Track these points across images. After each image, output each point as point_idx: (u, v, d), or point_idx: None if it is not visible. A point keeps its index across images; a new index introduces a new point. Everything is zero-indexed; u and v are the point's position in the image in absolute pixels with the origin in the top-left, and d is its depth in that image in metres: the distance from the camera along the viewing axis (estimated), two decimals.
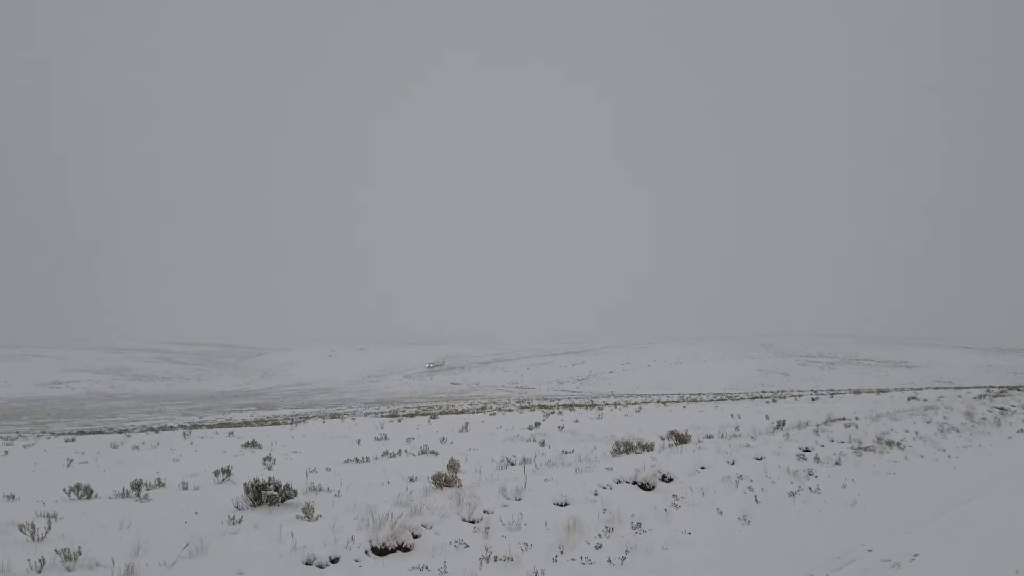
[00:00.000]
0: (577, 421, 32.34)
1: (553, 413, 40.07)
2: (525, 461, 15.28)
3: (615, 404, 55.13)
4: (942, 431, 20.58)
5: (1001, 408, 28.58)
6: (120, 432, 40.42)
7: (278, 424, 41.52)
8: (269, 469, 16.45)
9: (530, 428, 28.53)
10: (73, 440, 30.99)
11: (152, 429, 43.69)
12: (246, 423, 46.09)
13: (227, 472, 14.13)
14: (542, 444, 21.22)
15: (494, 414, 42.78)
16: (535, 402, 71.83)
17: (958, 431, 21.07)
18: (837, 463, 14.64)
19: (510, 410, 49.74)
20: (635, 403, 55.70)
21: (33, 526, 7.63)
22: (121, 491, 11.82)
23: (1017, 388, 59.22)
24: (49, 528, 7.81)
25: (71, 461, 20.80)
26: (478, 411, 50.44)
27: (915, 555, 8.20)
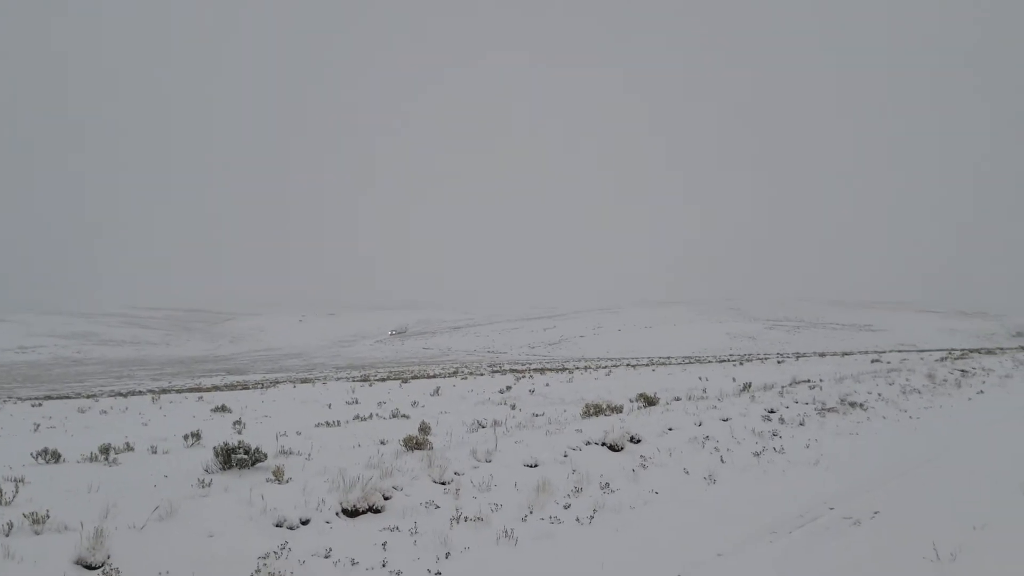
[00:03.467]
0: (548, 384, 32.61)
1: (524, 377, 40.33)
2: (496, 424, 15.40)
3: (586, 368, 55.63)
4: (904, 393, 21.05)
5: (962, 370, 29.29)
6: (88, 397, 40.01)
7: (248, 389, 41.35)
8: (239, 433, 16.39)
9: (501, 392, 28.71)
10: (40, 405, 30.59)
11: (121, 394, 43.29)
12: (216, 388, 45.82)
13: (197, 436, 14.07)
14: (513, 407, 21.36)
15: (465, 378, 42.96)
16: (506, 366, 72.22)
17: (920, 393, 21.57)
18: (801, 424, 14.94)
19: (481, 374, 50.00)
20: (605, 367, 56.26)
21: (0, 490, 7.55)
22: (89, 455, 11.73)
23: (978, 351, 60.69)
24: (16, 492, 7.74)
25: (38, 426, 20.56)
26: (450, 375, 50.62)
27: (875, 512, 8.43)
